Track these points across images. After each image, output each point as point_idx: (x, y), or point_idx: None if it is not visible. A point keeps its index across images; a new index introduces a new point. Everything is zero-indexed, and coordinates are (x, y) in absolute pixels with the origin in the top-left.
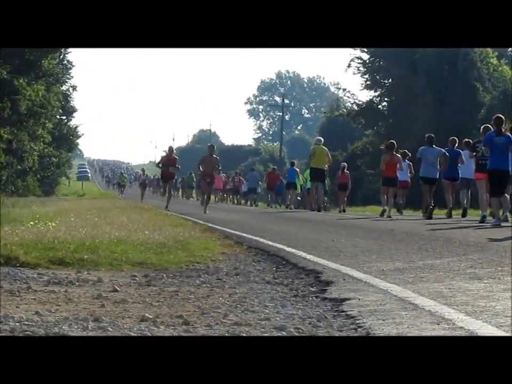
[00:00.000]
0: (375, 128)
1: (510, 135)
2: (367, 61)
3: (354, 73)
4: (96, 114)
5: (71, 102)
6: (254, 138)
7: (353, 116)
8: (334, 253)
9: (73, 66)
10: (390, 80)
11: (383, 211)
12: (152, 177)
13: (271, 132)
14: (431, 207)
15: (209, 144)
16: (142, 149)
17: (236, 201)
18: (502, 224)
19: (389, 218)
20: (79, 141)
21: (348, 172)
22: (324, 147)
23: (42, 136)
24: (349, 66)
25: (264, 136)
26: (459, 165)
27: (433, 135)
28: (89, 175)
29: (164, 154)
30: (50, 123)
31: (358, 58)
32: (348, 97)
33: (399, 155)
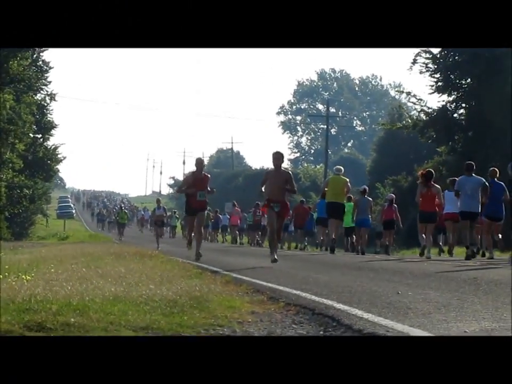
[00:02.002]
0: (450, 143)
1: None
2: (438, 56)
3: (421, 72)
4: (82, 131)
5: (49, 115)
6: (290, 160)
7: (421, 128)
8: (401, 310)
9: (50, 68)
10: (469, 80)
11: (422, 250)
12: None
13: (312, 151)
14: (473, 248)
15: (274, 152)
16: (142, 177)
17: (256, 242)
18: None
19: (429, 260)
20: (59, 166)
21: (396, 206)
22: (344, 177)
23: (11, 161)
24: (414, 63)
25: (303, 157)
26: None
27: (472, 163)
28: (74, 211)
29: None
30: (21, 144)
31: (425, 52)
32: (414, 103)
33: (438, 186)
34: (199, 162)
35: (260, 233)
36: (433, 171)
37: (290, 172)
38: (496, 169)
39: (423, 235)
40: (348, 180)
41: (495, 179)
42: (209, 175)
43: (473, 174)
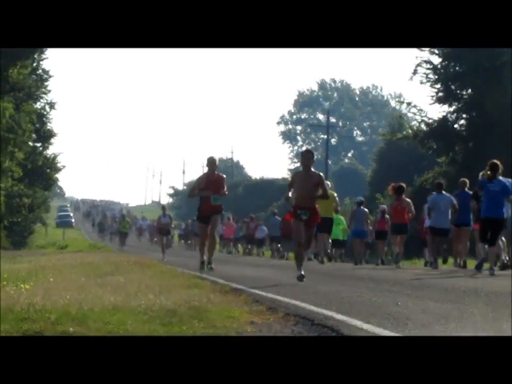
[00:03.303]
0: (450, 154)
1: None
2: (439, 66)
3: (422, 83)
4: (81, 139)
5: (48, 124)
6: (290, 170)
7: (421, 138)
8: (400, 321)
9: (50, 77)
10: (470, 91)
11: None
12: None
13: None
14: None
15: (305, 150)
16: (141, 186)
17: (248, 251)
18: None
19: (399, 268)
20: (58, 175)
21: (388, 216)
22: (332, 192)
23: (10, 170)
24: (414, 73)
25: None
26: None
27: (442, 182)
28: (73, 220)
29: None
30: (21, 152)
31: (426, 62)
32: (414, 114)
33: (409, 200)
34: (211, 161)
35: (251, 245)
36: (404, 185)
37: (321, 174)
38: (466, 180)
39: (397, 247)
40: (335, 194)
41: (465, 189)
42: (224, 176)
43: (443, 192)
